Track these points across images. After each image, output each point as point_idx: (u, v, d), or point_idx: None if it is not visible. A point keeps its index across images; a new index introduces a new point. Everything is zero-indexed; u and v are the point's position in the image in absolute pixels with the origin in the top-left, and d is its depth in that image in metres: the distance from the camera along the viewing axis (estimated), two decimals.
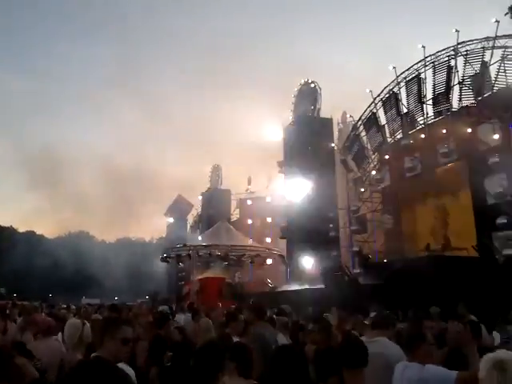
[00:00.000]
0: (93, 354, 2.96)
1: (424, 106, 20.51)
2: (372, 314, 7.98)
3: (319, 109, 27.80)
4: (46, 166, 74.26)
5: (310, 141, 25.90)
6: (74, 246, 62.71)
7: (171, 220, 51.61)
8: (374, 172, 23.71)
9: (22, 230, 74.46)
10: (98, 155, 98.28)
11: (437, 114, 20.18)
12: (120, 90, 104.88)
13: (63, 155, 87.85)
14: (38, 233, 74.11)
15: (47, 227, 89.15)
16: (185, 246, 31.77)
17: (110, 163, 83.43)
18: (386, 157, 23.15)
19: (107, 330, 3.00)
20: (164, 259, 35.22)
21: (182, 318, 10.25)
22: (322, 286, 18.53)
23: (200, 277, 30.10)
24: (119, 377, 2.62)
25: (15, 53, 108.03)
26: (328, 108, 28.03)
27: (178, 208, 51.03)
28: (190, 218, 50.58)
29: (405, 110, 21.47)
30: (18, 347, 3.66)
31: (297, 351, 3.39)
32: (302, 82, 29.29)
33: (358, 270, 20.86)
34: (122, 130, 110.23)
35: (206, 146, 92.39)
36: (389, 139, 22.80)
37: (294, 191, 26.24)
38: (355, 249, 23.24)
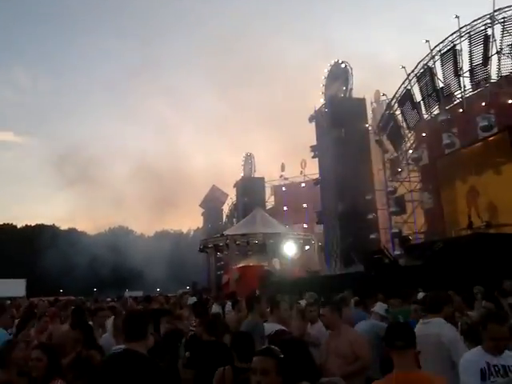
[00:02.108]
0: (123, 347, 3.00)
1: (461, 78, 19.65)
2: (420, 296, 7.79)
3: (351, 89, 27.12)
4: (82, 164, 76.34)
5: (342, 123, 25.33)
6: (114, 241, 64.46)
7: (207, 211, 52.05)
8: (410, 151, 23.06)
9: (64, 227, 77.19)
10: (131, 150, 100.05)
11: (474, 86, 19.33)
12: (146, 82, 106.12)
13: (97, 153, 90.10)
14: (79, 230, 76.44)
15: (88, 224, 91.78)
16: (222, 235, 32.02)
17: (144, 158, 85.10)
18: (423, 134, 22.43)
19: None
20: (202, 250, 35.66)
21: (217, 309, 10.22)
22: (362, 269, 18.23)
23: (239, 265, 30.31)
24: (154, 368, 2.64)
25: (39, 51, 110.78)
26: (361, 87, 27.36)
27: (213, 198, 51.36)
28: (226, 208, 50.86)
29: (441, 85, 20.66)
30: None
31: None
32: (332, 62, 28.65)
33: (399, 252, 20.47)
34: (152, 124, 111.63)
35: (238, 135, 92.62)
36: (425, 116, 22.07)
37: (328, 175, 25.84)
38: (394, 230, 22.78)
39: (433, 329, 3.91)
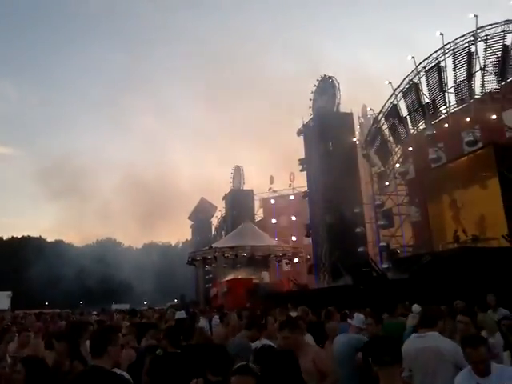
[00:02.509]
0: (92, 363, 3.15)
1: (446, 94, 20.05)
2: (416, 309, 7.85)
3: (338, 104, 27.41)
4: (69, 176, 75.89)
5: (330, 136, 25.57)
6: (102, 253, 63.88)
7: (195, 223, 51.89)
8: (397, 165, 23.30)
9: (50, 239, 76.34)
10: (120, 162, 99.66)
11: (459, 101, 19.71)
12: (135, 95, 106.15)
13: (85, 165, 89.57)
14: (66, 242, 75.69)
15: (75, 236, 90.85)
16: (210, 248, 31.98)
17: (132, 170, 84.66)
18: (410, 149, 22.73)
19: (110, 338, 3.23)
20: (190, 262, 35.53)
21: (204, 323, 10.15)
22: (350, 283, 18.30)
23: (227, 278, 30.23)
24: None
25: (27, 64, 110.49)
26: (347, 102, 27.68)
27: (202, 211, 51.22)
28: (215, 220, 50.74)
29: (426, 100, 21.02)
30: None
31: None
32: (320, 77, 28.97)
33: (387, 266, 20.58)
34: (140, 136, 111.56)
35: (227, 147, 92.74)
36: (411, 130, 22.38)
37: (316, 188, 25.99)
38: (383, 244, 22.92)
39: (431, 342, 3.93)
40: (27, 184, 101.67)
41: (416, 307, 7.95)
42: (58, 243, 72.61)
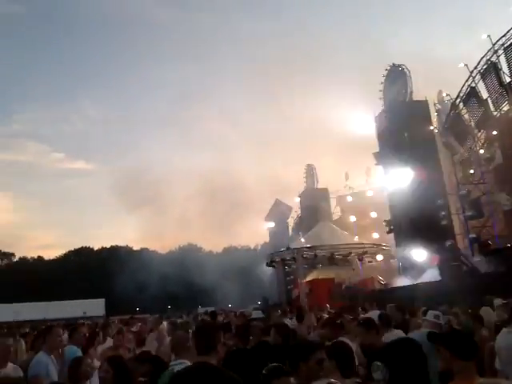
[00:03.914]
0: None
1: None
2: (497, 303, 7.44)
3: (411, 92, 26.27)
4: (148, 187, 79.53)
5: (405, 127, 24.54)
6: (184, 258, 66.31)
7: (272, 225, 52.25)
8: (482, 151, 21.89)
9: (136, 248, 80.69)
10: (194, 171, 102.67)
11: None
12: (199, 104, 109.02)
13: (161, 175, 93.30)
14: (150, 249, 79.49)
15: (159, 243, 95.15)
16: (288, 249, 32.00)
17: (206, 177, 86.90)
18: (494, 132, 21.24)
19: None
20: (270, 264, 35.83)
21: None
22: (438, 279, 17.46)
23: (308, 279, 30.10)
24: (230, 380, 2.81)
25: (104, 82, 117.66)
26: (421, 89, 26.42)
27: (278, 212, 51.40)
28: (291, 221, 50.73)
29: (508, 80, 19.53)
30: None
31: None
32: (389, 66, 28.02)
33: (478, 259, 19.39)
34: (209, 144, 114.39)
35: (297, 146, 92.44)
36: (494, 113, 20.93)
37: (395, 182, 25.07)
38: (472, 236, 21.60)
39: None
40: (111, 197, 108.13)
41: (498, 301, 7.61)
42: (144, 251, 76.36)
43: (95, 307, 42.67)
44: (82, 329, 6.67)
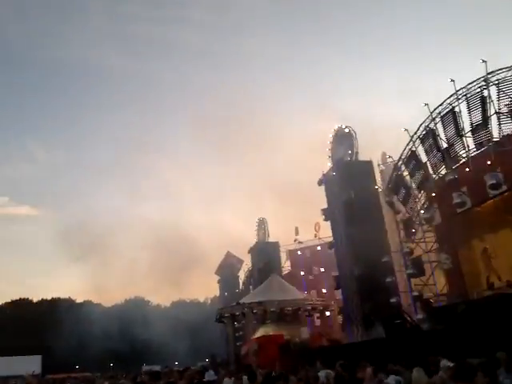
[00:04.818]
0: None
1: (464, 138, 19.98)
2: (444, 364, 7.61)
3: (357, 152, 27.60)
4: (95, 237, 77.05)
5: (352, 185, 25.58)
6: (130, 312, 63.66)
7: (222, 278, 51.59)
8: (422, 211, 23.02)
9: (79, 300, 76.68)
10: (142, 221, 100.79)
11: (478, 145, 19.58)
12: (150, 154, 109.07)
13: (109, 225, 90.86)
14: (95, 302, 75.82)
15: (104, 296, 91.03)
16: (238, 304, 31.62)
17: (154, 228, 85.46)
18: (433, 194, 22.50)
19: None
20: (219, 320, 35.06)
21: (229, 383, 10.04)
22: (383, 336, 17.70)
23: (257, 335, 29.59)
24: None
25: (50, 124, 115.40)
26: (366, 150, 27.83)
27: (229, 265, 51.01)
28: (242, 274, 50.36)
29: (445, 145, 20.99)
30: None
31: None
32: (336, 127, 29.39)
33: (421, 316, 19.91)
34: (160, 195, 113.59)
35: (248, 201, 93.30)
36: (433, 175, 22.25)
37: (341, 238, 25.75)
38: (415, 293, 22.24)
39: None
40: (55, 245, 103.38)
41: (444, 362, 7.72)
42: (87, 304, 72.80)
43: (31, 364, 39.55)
44: None
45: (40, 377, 32.67)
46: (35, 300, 77.48)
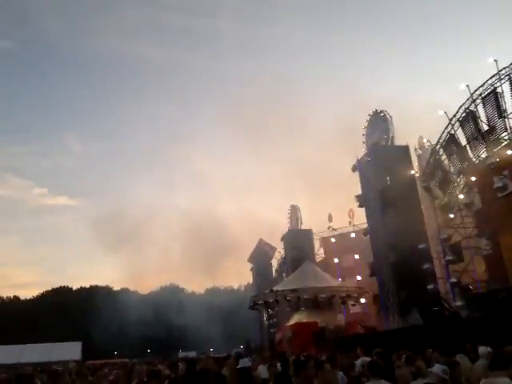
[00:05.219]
0: None
1: (506, 120, 19.24)
2: (482, 350, 7.36)
3: (393, 137, 26.95)
4: (132, 226, 78.92)
5: (387, 171, 25.05)
6: (166, 299, 64.87)
7: (255, 266, 51.79)
8: (461, 196, 22.34)
9: (117, 288, 78.79)
10: (178, 211, 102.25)
11: None
12: (185, 145, 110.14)
13: (145, 214, 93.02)
14: (131, 289, 77.66)
15: (140, 284, 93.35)
16: (271, 291, 31.59)
17: (189, 217, 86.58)
18: (473, 178, 21.78)
19: None
20: (252, 307, 35.22)
21: (264, 369, 9.95)
22: (420, 323, 17.37)
23: (291, 322, 29.60)
24: None
25: (90, 117, 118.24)
26: (402, 135, 27.15)
27: (261, 253, 51.08)
28: (275, 262, 50.39)
29: (485, 127, 20.25)
30: None
31: None
32: (371, 112, 28.82)
33: (460, 303, 19.42)
34: (195, 184, 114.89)
35: (282, 188, 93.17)
36: (473, 159, 21.53)
37: (376, 225, 25.31)
38: (453, 280, 21.71)
39: None
40: (93, 234, 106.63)
41: (483, 349, 7.50)
42: (124, 291, 74.59)
43: (71, 351, 40.88)
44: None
45: (81, 363, 33.70)
46: (75, 288, 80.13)
